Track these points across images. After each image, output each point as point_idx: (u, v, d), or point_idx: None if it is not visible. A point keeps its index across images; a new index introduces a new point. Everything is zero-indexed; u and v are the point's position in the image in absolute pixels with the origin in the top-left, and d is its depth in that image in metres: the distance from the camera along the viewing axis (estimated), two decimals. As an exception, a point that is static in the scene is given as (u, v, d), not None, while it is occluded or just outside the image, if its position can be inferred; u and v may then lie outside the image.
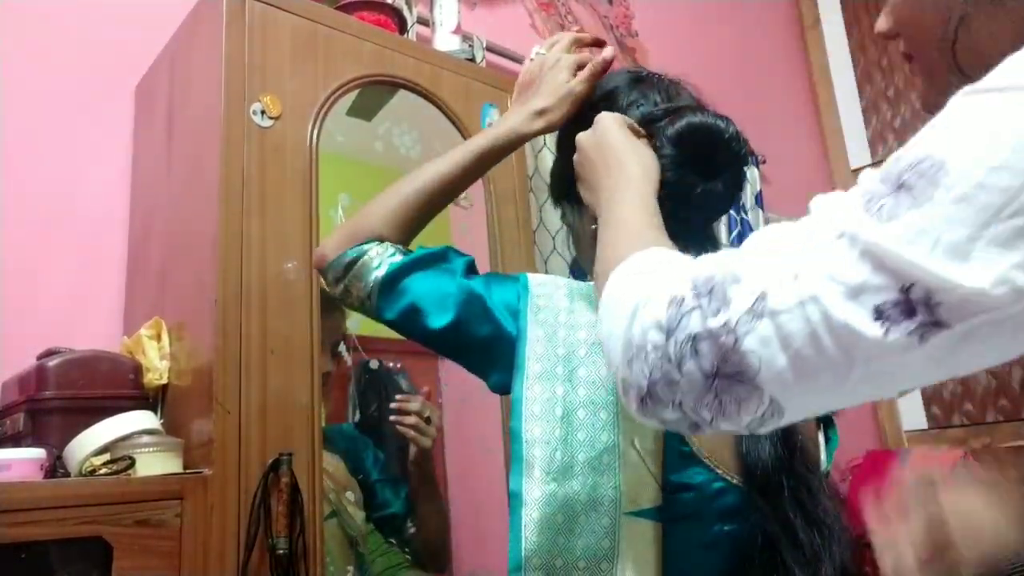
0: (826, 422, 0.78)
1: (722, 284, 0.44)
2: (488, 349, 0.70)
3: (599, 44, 0.87)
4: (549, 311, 0.69)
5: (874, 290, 0.38)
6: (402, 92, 1.37)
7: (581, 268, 1.86)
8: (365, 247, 0.76)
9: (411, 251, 0.78)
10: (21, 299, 1.25)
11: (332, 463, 1.19)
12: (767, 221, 2.66)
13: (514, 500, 0.63)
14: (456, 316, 0.70)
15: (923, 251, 0.37)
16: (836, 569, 0.68)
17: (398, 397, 1.29)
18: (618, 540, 0.62)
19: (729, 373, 0.42)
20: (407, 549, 1.28)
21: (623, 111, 0.76)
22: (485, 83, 1.50)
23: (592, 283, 0.71)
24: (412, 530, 1.29)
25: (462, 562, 1.39)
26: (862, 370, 0.39)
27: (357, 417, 1.37)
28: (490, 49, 1.92)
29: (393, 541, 1.28)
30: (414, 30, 1.75)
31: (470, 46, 1.82)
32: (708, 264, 0.47)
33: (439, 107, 1.40)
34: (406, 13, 1.57)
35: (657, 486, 0.63)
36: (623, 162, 0.68)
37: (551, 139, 1.93)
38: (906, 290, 0.37)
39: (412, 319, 0.72)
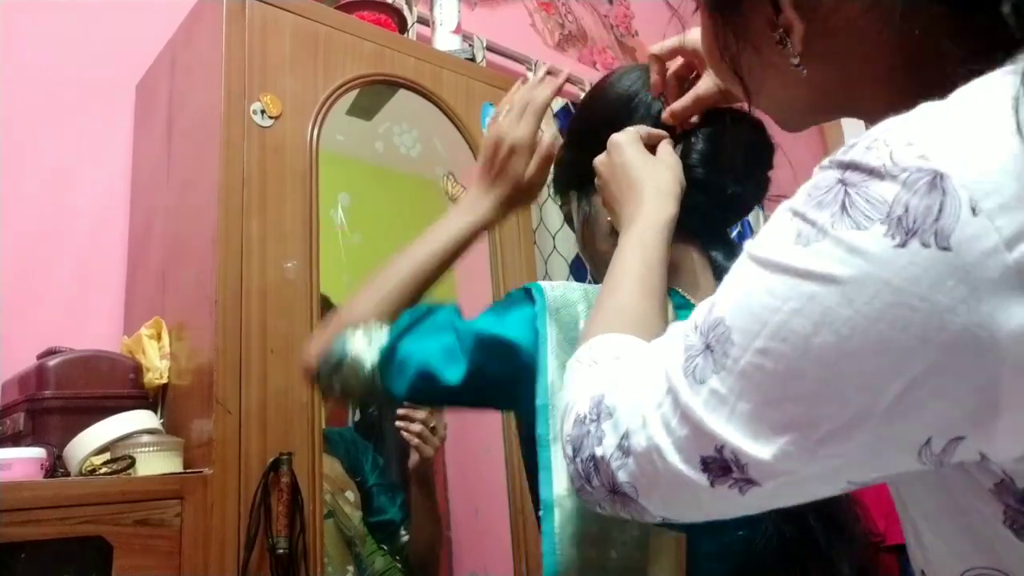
0: None
1: (604, 414, 0.47)
2: (515, 381, 0.66)
3: (553, 76, 0.87)
4: (568, 314, 0.66)
5: (696, 446, 0.41)
6: (402, 92, 1.37)
7: (581, 267, 1.86)
8: (346, 338, 0.72)
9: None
10: (21, 299, 1.25)
11: (329, 464, 1.19)
12: (767, 221, 2.66)
13: (546, 510, 0.61)
14: (469, 362, 0.66)
15: (722, 420, 0.39)
16: (854, 571, 0.67)
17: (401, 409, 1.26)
18: (648, 552, 0.61)
19: (623, 492, 0.46)
20: (398, 557, 1.27)
21: (647, 108, 0.75)
22: (485, 83, 1.50)
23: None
24: (405, 538, 1.29)
25: (462, 563, 1.39)
26: (709, 504, 0.43)
27: (356, 418, 1.37)
28: (490, 49, 1.92)
29: (385, 548, 1.27)
30: (414, 30, 1.75)
31: (470, 46, 1.82)
32: (602, 381, 0.50)
33: (439, 107, 1.40)
34: (406, 13, 1.57)
35: None
36: (637, 190, 0.67)
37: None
38: (719, 449, 0.40)
39: (426, 385, 0.68)
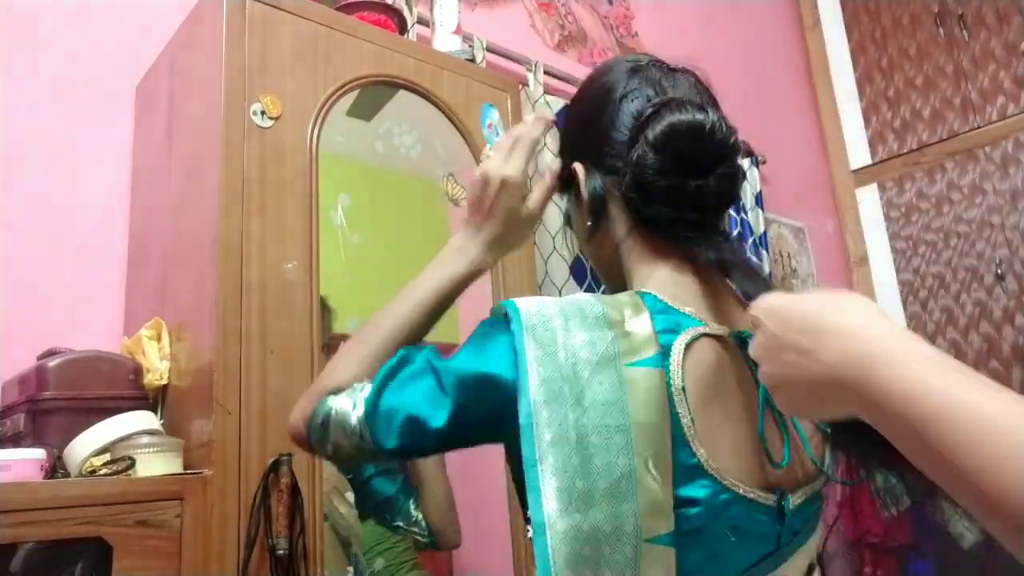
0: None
1: None
2: (501, 413, 0.63)
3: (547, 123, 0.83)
4: (545, 330, 0.64)
5: None
6: (402, 92, 1.37)
7: (582, 267, 1.86)
8: (329, 399, 0.70)
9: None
10: (21, 299, 1.25)
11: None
12: (767, 221, 2.66)
13: (538, 531, 0.59)
14: (453, 403, 0.64)
15: None
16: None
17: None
18: (638, 569, 0.59)
19: None
20: (417, 529, 1.27)
21: (618, 104, 0.73)
22: (485, 83, 1.50)
23: (582, 296, 0.68)
24: (416, 512, 1.28)
25: (462, 563, 1.39)
26: None
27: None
28: (490, 49, 1.92)
29: (400, 524, 1.27)
30: (414, 30, 1.75)
31: (470, 46, 1.82)
32: None
33: (439, 107, 1.40)
34: (406, 13, 1.57)
35: (670, 510, 0.61)
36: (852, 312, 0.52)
37: (552, 137, 1.93)
38: None
39: (414, 433, 0.65)
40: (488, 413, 0.65)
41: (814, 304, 0.52)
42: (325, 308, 1.23)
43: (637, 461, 0.60)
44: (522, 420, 0.61)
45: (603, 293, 0.74)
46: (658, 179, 0.68)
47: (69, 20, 1.41)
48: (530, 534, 0.60)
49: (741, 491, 0.64)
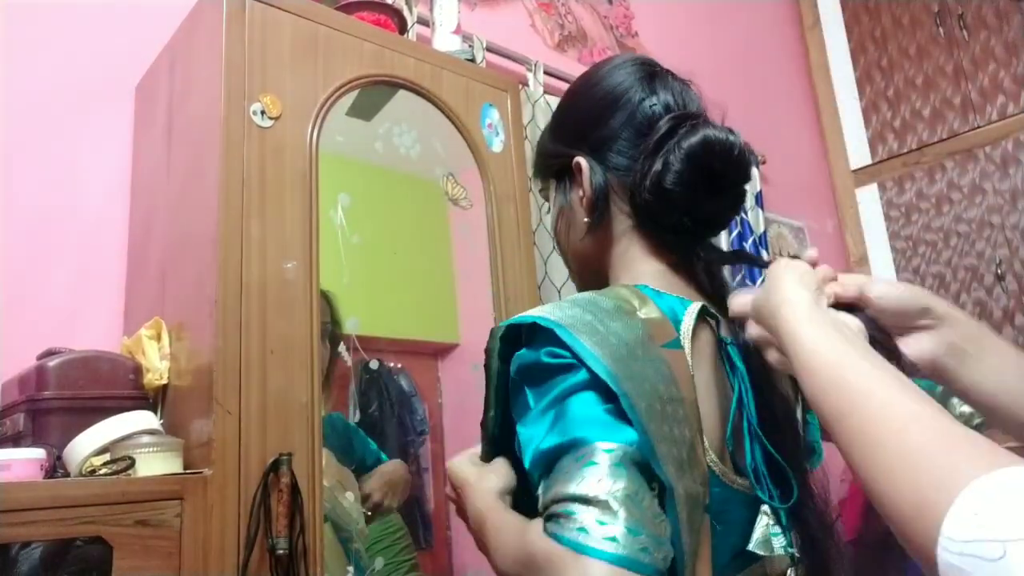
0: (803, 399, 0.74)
1: None
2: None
3: None
4: (583, 324, 0.62)
5: None
6: (402, 92, 1.37)
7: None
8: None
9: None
10: (21, 299, 1.25)
11: (326, 457, 1.19)
12: (767, 220, 2.66)
13: (669, 495, 0.58)
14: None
15: None
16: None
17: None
18: (701, 535, 0.60)
19: None
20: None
21: (636, 106, 0.74)
22: (485, 83, 1.50)
23: (584, 294, 0.68)
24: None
25: (462, 563, 1.39)
26: None
27: (357, 417, 1.37)
28: (490, 49, 1.92)
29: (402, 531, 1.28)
30: (414, 30, 1.76)
31: (470, 46, 1.82)
32: None
33: (439, 107, 1.40)
34: (406, 13, 1.57)
35: (707, 481, 0.62)
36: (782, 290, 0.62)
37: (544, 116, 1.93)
38: None
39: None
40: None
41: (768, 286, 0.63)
42: (330, 304, 1.23)
43: (694, 434, 0.62)
44: (616, 389, 0.58)
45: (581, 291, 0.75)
46: (680, 188, 0.69)
47: (69, 20, 1.41)
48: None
49: (726, 478, 0.66)
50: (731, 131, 0.71)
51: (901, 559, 2.59)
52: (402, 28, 1.49)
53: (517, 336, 0.66)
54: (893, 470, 0.42)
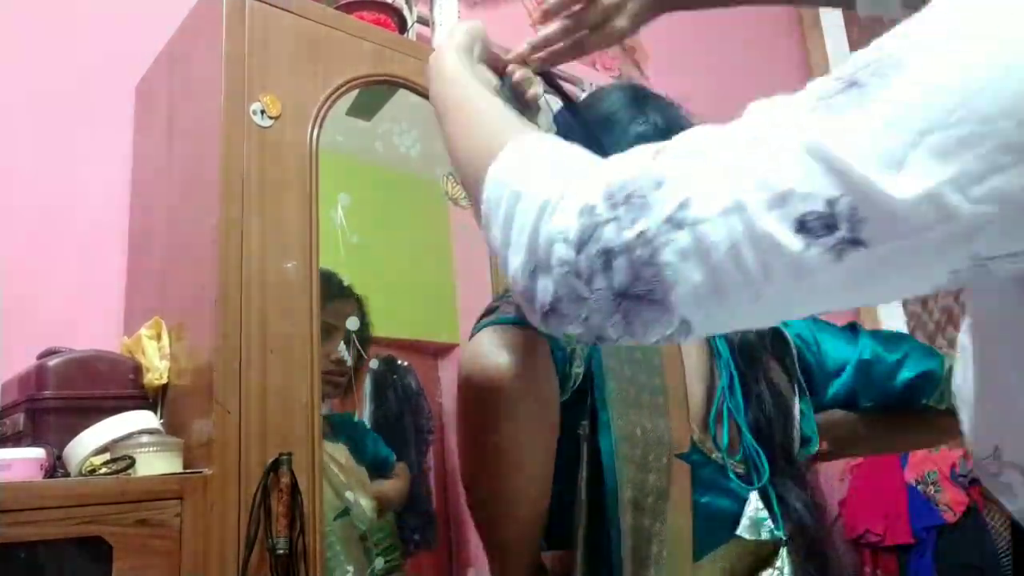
0: (800, 392, 0.79)
1: (641, 190, 0.40)
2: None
3: None
4: None
5: (800, 199, 0.35)
6: (402, 92, 1.37)
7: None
8: None
9: None
10: (21, 299, 1.25)
11: (342, 454, 1.19)
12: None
13: (603, 429, 0.65)
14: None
15: (856, 153, 0.34)
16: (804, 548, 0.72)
17: None
18: (669, 480, 0.65)
19: (639, 293, 0.39)
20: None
21: (625, 126, 0.77)
22: (485, 83, 1.50)
23: None
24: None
25: (463, 561, 1.39)
26: (777, 287, 0.37)
27: (367, 414, 1.37)
28: (490, 49, 1.92)
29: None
30: (414, 30, 1.75)
31: (470, 46, 1.82)
32: (624, 166, 0.42)
33: (439, 107, 1.40)
34: (406, 13, 1.57)
35: (689, 431, 0.68)
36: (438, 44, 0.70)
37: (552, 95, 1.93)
38: (832, 203, 0.35)
39: None
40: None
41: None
42: (344, 296, 1.23)
43: (667, 382, 0.68)
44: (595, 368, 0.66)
45: None
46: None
47: (69, 20, 1.41)
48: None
49: (704, 446, 0.73)
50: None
51: (902, 560, 2.59)
52: (402, 28, 1.49)
53: None
54: (469, 134, 0.61)
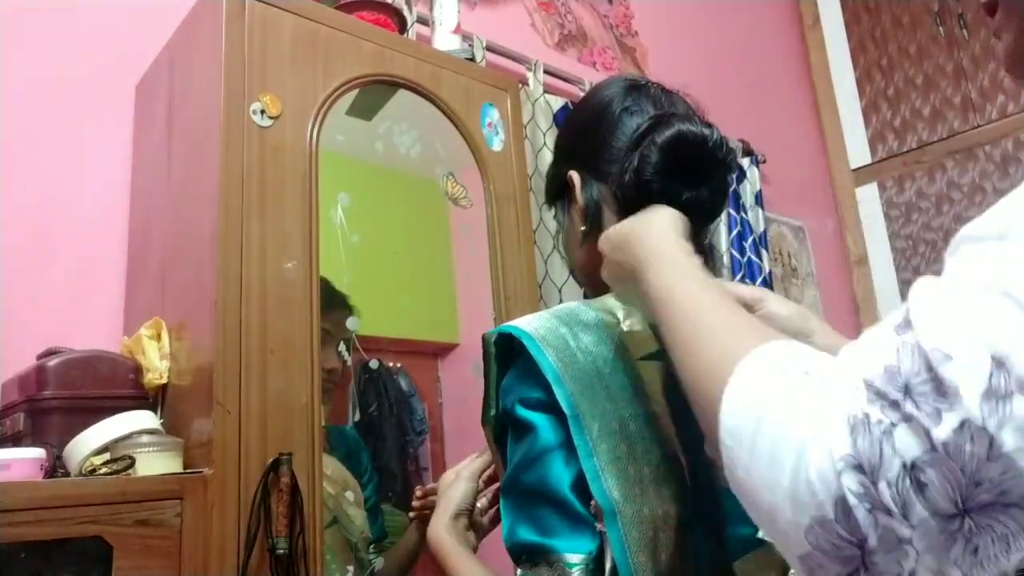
0: None
1: (922, 371, 0.31)
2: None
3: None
4: (555, 338, 0.66)
5: None
6: (402, 92, 1.37)
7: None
8: None
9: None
10: (21, 299, 1.25)
11: (330, 464, 1.19)
12: (767, 220, 2.66)
13: (609, 519, 0.60)
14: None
15: None
16: None
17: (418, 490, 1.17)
18: (686, 550, 0.63)
19: (985, 502, 0.29)
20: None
21: (618, 116, 0.77)
22: (485, 83, 1.50)
23: (569, 304, 0.71)
24: (375, 558, 1.27)
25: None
26: None
27: (357, 417, 1.37)
28: (490, 49, 1.92)
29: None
30: (414, 30, 1.75)
31: (470, 46, 1.82)
32: (872, 354, 0.34)
33: (439, 107, 1.40)
34: (406, 13, 1.57)
35: (686, 496, 0.65)
36: (647, 222, 0.66)
37: (551, 137, 1.93)
38: None
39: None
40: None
41: (627, 223, 0.68)
42: (344, 305, 1.23)
43: (667, 449, 0.64)
44: (567, 412, 0.63)
45: (585, 298, 0.78)
46: (657, 179, 0.72)
47: (69, 19, 1.41)
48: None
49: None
50: (708, 124, 0.74)
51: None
52: (402, 27, 1.49)
53: (509, 341, 0.70)
54: (698, 351, 0.49)
